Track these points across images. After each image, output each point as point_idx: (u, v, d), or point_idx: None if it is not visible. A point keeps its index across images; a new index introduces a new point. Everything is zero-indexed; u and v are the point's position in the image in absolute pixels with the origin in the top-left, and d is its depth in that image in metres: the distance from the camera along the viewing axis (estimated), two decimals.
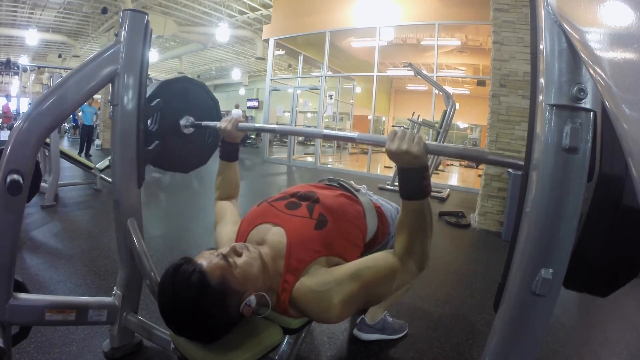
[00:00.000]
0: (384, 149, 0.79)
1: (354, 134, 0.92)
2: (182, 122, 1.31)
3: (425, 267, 0.85)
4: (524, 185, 0.55)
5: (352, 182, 1.24)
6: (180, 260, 0.76)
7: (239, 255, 0.82)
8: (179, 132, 1.32)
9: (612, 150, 0.49)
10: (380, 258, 0.85)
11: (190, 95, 1.35)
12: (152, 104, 1.21)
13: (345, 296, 0.80)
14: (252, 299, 0.79)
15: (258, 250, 0.86)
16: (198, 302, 0.72)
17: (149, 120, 1.24)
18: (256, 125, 1.20)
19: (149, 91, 1.23)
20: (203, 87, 1.41)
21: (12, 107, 10.51)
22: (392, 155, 0.77)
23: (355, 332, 1.49)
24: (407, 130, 0.77)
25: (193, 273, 0.72)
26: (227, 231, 1.06)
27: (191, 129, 1.33)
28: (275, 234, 0.92)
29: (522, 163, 0.58)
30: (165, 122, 1.27)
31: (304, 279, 0.83)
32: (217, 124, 1.16)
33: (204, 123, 1.29)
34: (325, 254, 0.88)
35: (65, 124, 11.84)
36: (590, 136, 0.49)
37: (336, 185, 1.23)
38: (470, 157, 0.80)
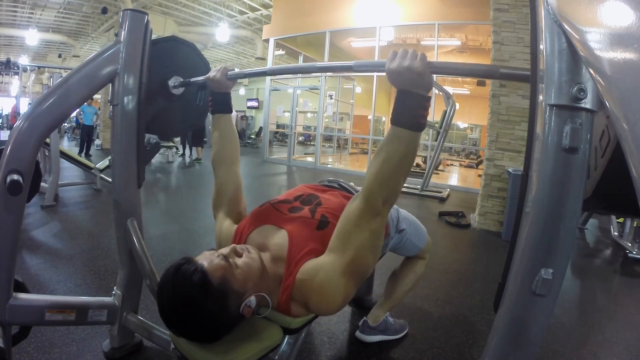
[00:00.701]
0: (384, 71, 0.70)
1: (351, 63, 0.83)
2: (171, 82, 1.26)
3: (392, 203, 0.80)
4: (524, 185, 0.55)
5: (351, 183, 1.24)
6: (181, 260, 0.76)
7: (240, 256, 0.82)
8: (168, 93, 1.27)
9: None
10: (347, 206, 0.82)
11: (178, 56, 1.30)
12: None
13: (341, 262, 0.79)
14: (252, 299, 0.79)
15: (258, 252, 0.87)
16: (199, 302, 0.71)
17: None
18: (246, 71, 1.11)
19: None
20: (192, 47, 1.35)
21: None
22: (393, 75, 0.69)
23: (358, 334, 1.48)
24: (407, 49, 0.69)
25: (194, 273, 0.72)
26: (227, 227, 1.05)
27: (180, 89, 1.28)
28: (277, 237, 0.92)
29: (528, 73, 0.55)
30: (153, 83, 1.22)
31: (303, 269, 0.82)
32: (206, 76, 1.10)
33: (193, 79, 1.22)
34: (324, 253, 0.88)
35: (65, 124, 11.84)
36: (590, 136, 0.50)
37: (336, 186, 1.23)
38: (480, 74, 0.70)
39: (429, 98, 0.71)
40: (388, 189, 0.77)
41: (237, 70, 1.08)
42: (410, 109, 0.71)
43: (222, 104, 1.11)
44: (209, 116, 1.17)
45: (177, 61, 1.30)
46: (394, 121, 0.73)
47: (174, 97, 1.30)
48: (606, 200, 0.68)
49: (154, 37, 1.20)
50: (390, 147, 0.74)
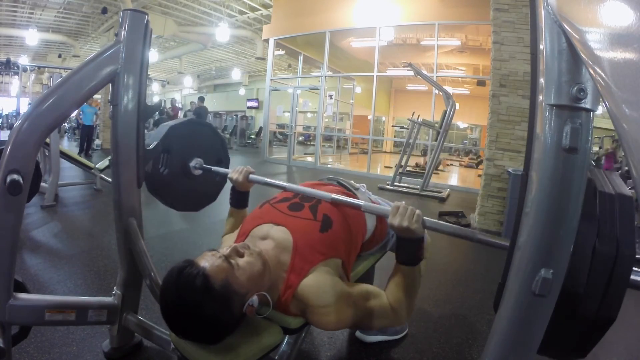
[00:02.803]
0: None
1: (360, 202, 0.95)
2: (192, 164, 1.35)
3: (409, 317, 0.96)
4: (524, 185, 0.55)
5: (351, 181, 1.24)
6: (183, 263, 0.76)
7: (241, 255, 0.81)
8: (188, 173, 1.35)
9: (578, 269, 0.56)
10: (381, 295, 0.92)
11: (197, 136, 1.39)
12: (156, 148, 1.26)
13: (353, 310, 0.84)
14: (255, 299, 0.79)
15: (259, 249, 0.86)
16: (202, 305, 0.71)
17: (159, 165, 1.29)
18: (267, 179, 1.18)
19: (156, 139, 1.27)
20: (209, 126, 1.47)
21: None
22: (394, 228, 0.85)
23: (358, 334, 1.48)
24: (407, 206, 0.85)
25: (197, 276, 0.72)
26: (231, 238, 1.07)
27: (200, 171, 1.36)
28: (279, 231, 0.92)
29: (507, 244, 0.64)
30: (175, 163, 1.31)
31: (314, 278, 0.84)
32: (228, 174, 1.20)
33: (214, 169, 1.32)
34: (331, 256, 0.89)
35: (66, 124, 11.84)
36: (590, 136, 0.50)
37: (336, 183, 1.23)
38: (460, 236, 0.84)
39: (423, 238, 0.88)
40: (409, 305, 0.92)
41: (258, 176, 1.17)
42: (410, 252, 0.89)
43: (240, 202, 1.22)
44: None
45: (195, 141, 1.38)
46: (400, 261, 0.91)
47: (194, 177, 1.38)
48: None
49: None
50: (403, 280, 0.91)
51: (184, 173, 1.35)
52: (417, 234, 0.85)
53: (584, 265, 0.55)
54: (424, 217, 0.85)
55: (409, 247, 0.88)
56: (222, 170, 1.29)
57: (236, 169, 1.19)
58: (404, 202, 0.87)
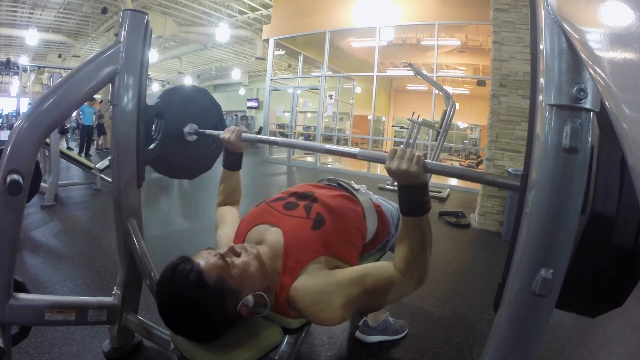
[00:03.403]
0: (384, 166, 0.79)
1: (355, 150, 0.92)
2: (186, 129, 1.32)
3: (424, 280, 0.85)
4: (524, 185, 0.55)
5: (352, 182, 1.24)
6: (178, 260, 0.77)
7: (237, 255, 0.82)
8: (182, 139, 1.33)
9: (605, 189, 0.51)
10: (381, 267, 0.85)
11: (192, 101, 1.36)
12: (154, 111, 1.23)
13: (345, 299, 0.79)
14: (250, 298, 0.79)
15: (256, 250, 0.86)
16: (195, 301, 0.72)
17: (152, 128, 1.26)
18: (259, 136, 1.19)
19: (153, 101, 1.25)
20: (204, 92, 1.43)
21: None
22: (392, 173, 0.78)
23: (358, 334, 1.48)
24: (406, 149, 0.77)
25: (190, 272, 0.73)
26: (226, 232, 1.06)
27: (195, 137, 1.34)
28: (272, 234, 0.92)
29: (517, 184, 0.59)
30: (169, 130, 1.28)
31: (303, 279, 0.83)
32: (221, 134, 1.17)
33: (208, 132, 1.30)
34: (323, 254, 0.87)
35: (65, 124, 11.83)
36: (590, 137, 0.49)
37: (335, 185, 1.22)
38: (470, 178, 0.78)
39: (426, 184, 0.80)
40: (421, 268, 0.83)
41: (250, 134, 1.14)
42: (413, 200, 0.80)
43: (233, 163, 1.18)
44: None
45: (191, 107, 1.35)
46: (404, 212, 0.82)
47: (189, 143, 1.35)
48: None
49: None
50: (410, 235, 0.82)
51: (178, 139, 1.32)
52: (419, 178, 0.77)
53: (614, 183, 0.47)
54: (426, 160, 0.76)
55: (411, 195, 0.79)
56: (215, 132, 1.26)
57: (228, 128, 1.16)
58: (402, 145, 0.80)
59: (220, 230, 1.12)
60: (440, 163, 0.78)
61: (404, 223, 0.83)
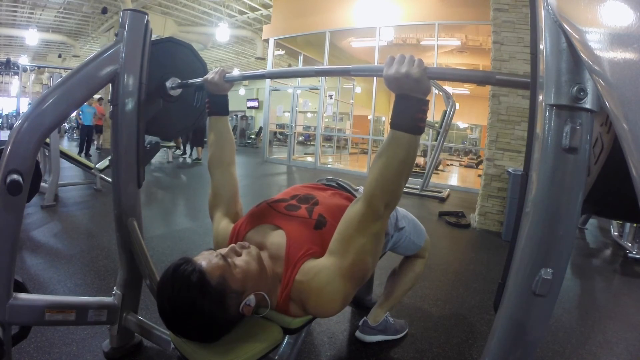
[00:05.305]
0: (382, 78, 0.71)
1: (349, 67, 0.84)
2: (168, 83, 1.27)
3: (393, 207, 0.80)
4: (524, 185, 0.55)
5: (351, 183, 1.24)
6: (180, 260, 0.76)
7: (239, 255, 0.82)
8: (166, 94, 1.28)
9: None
10: (348, 210, 0.82)
11: (176, 57, 1.31)
12: None
13: (341, 265, 0.79)
14: (252, 298, 0.79)
15: (257, 250, 0.86)
16: (198, 302, 0.71)
17: None
18: (244, 73, 1.12)
19: None
20: (189, 48, 1.37)
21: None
22: (391, 81, 0.69)
23: (358, 334, 1.48)
24: (405, 55, 0.69)
25: (192, 273, 0.72)
26: (224, 227, 1.05)
27: (178, 90, 1.30)
28: (275, 236, 0.92)
29: (528, 80, 0.55)
30: (151, 84, 1.22)
31: (303, 270, 0.82)
32: (204, 77, 1.11)
33: (190, 81, 1.23)
34: (322, 254, 0.88)
35: (66, 124, 11.84)
36: (590, 136, 0.49)
37: (334, 185, 1.23)
38: (477, 80, 0.69)
39: (427, 101, 0.72)
40: (389, 193, 0.77)
41: (235, 72, 1.08)
42: (409, 113, 0.72)
43: (220, 106, 1.12)
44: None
45: (175, 62, 1.31)
46: (393, 125, 0.73)
47: (171, 98, 1.30)
48: (598, 205, 0.69)
49: (153, 37, 1.20)
50: (390, 151, 0.74)
51: (161, 94, 1.28)
52: (420, 85, 0.68)
53: None
54: (428, 66, 0.68)
55: (406, 106, 0.71)
56: (197, 80, 1.18)
57: (211, 71, 1.11)
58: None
59: (217, 219, 1.08)
60: (443, 67, 0.69)
61: (388, 138, 0.75)
